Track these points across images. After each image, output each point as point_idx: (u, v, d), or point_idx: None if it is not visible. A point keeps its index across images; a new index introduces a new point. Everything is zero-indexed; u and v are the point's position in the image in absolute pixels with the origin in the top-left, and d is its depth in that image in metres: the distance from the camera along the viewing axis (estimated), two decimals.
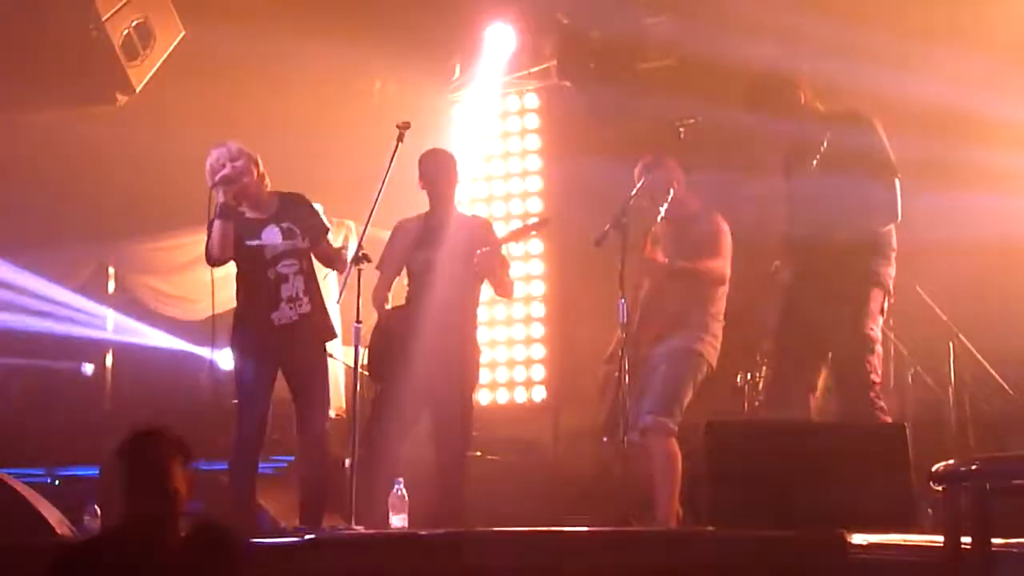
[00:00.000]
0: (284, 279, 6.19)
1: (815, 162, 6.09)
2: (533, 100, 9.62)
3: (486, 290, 6.67)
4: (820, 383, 6.13)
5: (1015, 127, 7.53)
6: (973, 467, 3.67)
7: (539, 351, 9.38)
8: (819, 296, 6.07)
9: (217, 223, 6.11)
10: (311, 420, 6.18)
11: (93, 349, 10.24)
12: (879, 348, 6.07)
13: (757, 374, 7.69)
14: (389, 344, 6.46)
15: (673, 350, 6.21)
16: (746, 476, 4.98)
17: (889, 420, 5.93)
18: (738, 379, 7.76)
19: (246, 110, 8.69)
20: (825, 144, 6.08)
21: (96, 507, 6.31)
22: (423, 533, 5.50)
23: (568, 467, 8.20)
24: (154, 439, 4.12)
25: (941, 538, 3.80)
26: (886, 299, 6.10)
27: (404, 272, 6.64)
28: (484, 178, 9.70)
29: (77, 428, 9.24)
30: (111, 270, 10.30)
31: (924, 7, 7.79)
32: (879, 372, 6.05)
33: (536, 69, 9.52)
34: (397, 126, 6.27)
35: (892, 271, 6.09)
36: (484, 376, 8.45)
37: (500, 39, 9.33)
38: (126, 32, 8.60)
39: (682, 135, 6.24)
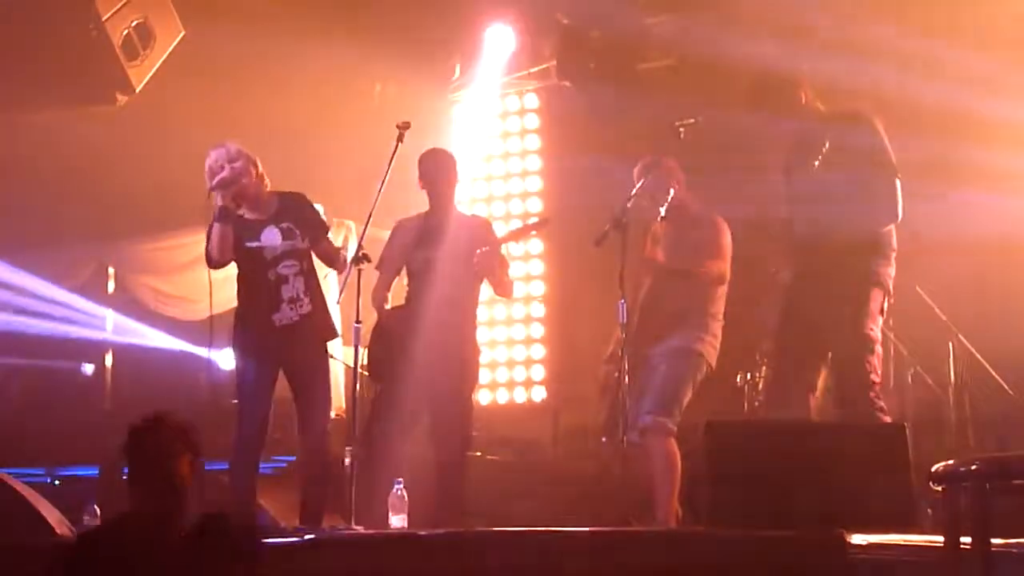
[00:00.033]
0: (284, 280, 6.19)
1: (817, 163, 6.09)
2: (533, 100, 9.63)
3: (486, 290, 6.67)
4: (820, 383, 6.13)
5: (1015, 127, 7.53)
6: (973, 467, 3.66)
7: (539, 351, 9.39)
8: (819, 296, 6.07)
9: (216, 226, 6.11)
10: (312, 420, 6.18)
11: (93, 349, 10.25)
12: (879, 348, 6.07)
13: (757, 374, 7.69)
14: (389, 344, 6.46)
15: (673, 350, 6.21)
16: (746, 476, 4.98)
17: (889, 420, 5.93)
18: (738, 379, 7.76)
19: (246, 110, 8.69)
20: (827, 145, 6.08)
21: (96, 507, 6.32)
22: (423, 533, 5.50)
23: (568, 467, 8.20)
24: (154, 431, 4.06)
25: (941, 538, 3.80)
26: (886, 299, 6.10)
27: (404, 272, 6.64)
28: (484, 178, 9.70)
29: (77, 428, 9.23)
30: (111, 270, 10.31)
31: (924, 6, 7.79)
32: (879, 372, 6.05)
33: (536, 69, 9.52)
34: (397, 126, 6.27)
35: (892, 271, 6.09)
36: (484, 376, 8.46)
37: (500, 39, 9.33)
38: (126, 32, 8.60)
39: (682, 135, 6.23)
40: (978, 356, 7.51)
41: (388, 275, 6.58)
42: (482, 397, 8.98)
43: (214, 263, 6.21)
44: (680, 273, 6.28)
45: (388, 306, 6.56)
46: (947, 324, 7.52)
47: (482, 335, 7.75)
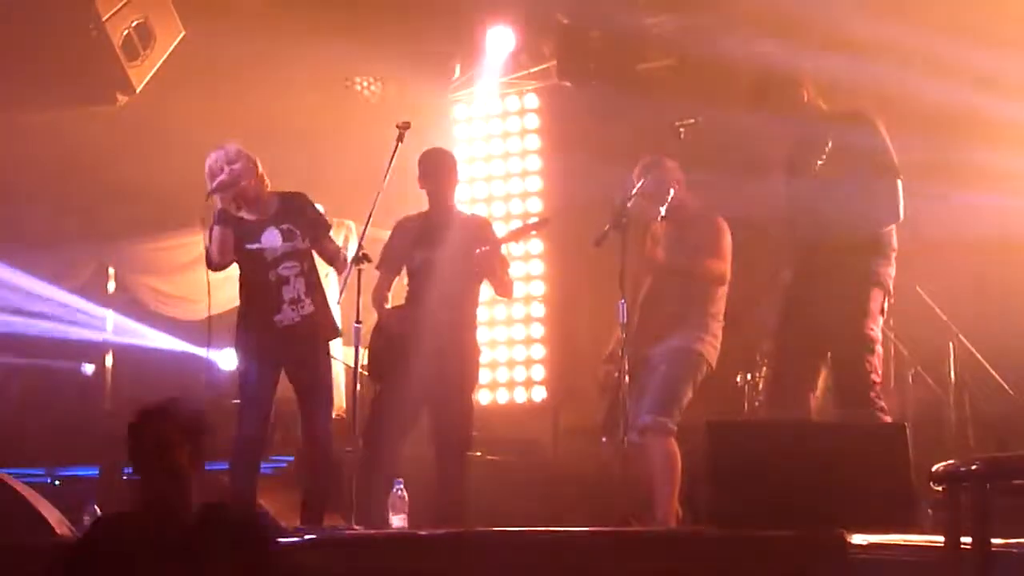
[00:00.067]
0: (285, 281, 6.19)
1: (820, 162, 6.08)
2: (533, 100, 9.63)
3: (486, 290, 6.67)
4: (820, 383, 6.12)
5: (1016, 127, 7.53)
6: (973, 467, 3.65)
7: (539, 351, 9.38)
8: (819, 296, 6.06)
9: (216, 229, 6.12)
10: (315, 420, 6.19)
11: (93, 349, 10.25)
12: (879, 348, 6.06)
13: (757, 374, 7.69)
14: (389, 344, 6.45)
15: (673, 350, 6.20)
16: (746, 476, 4.97)
17: (889, 420, 5.93)
18: (738, 379, 7.76)
19: (246, 110, 8.70)
20: (829, 145, 6.07)
21: (96, 507, 6.31)
22: (423, 533, 5.50)
23: (568, 467, 8.20)
24: (154, 422, 4.05)
25: (941, 538, 3.79)
26: (886, 299, 6.09)
27: (404, 272, 6.64)
28: (484, 178, 9.70)
29: (77, 428, 9.24)
30: (111, 270, 10.31)
31: (925, 6, 7.79)
32: (879, 372, 6.04)
33: (536, 69, 9.53)
34: (397, 126, 6.28)
35: (892, 271, 6.08)
36: (484, 376, 8.46)
37: (500, 39, 9.33)
38: (126, 32, 8.60)
39: (682, 135, 6.23)
40: (978, 356, 7.51)
41: (388, 275, 6.58)
42: (482, 397, 8.98)
43: (215, 265, 6.22)
44: (680, 273, 6.28)
45: (388, 306, 6.56)
46: (947, 324, 7.52)
47: (482, 335, 7.74)
